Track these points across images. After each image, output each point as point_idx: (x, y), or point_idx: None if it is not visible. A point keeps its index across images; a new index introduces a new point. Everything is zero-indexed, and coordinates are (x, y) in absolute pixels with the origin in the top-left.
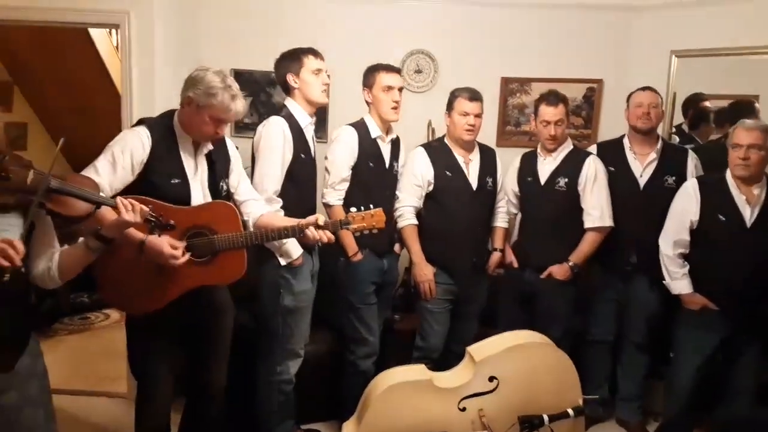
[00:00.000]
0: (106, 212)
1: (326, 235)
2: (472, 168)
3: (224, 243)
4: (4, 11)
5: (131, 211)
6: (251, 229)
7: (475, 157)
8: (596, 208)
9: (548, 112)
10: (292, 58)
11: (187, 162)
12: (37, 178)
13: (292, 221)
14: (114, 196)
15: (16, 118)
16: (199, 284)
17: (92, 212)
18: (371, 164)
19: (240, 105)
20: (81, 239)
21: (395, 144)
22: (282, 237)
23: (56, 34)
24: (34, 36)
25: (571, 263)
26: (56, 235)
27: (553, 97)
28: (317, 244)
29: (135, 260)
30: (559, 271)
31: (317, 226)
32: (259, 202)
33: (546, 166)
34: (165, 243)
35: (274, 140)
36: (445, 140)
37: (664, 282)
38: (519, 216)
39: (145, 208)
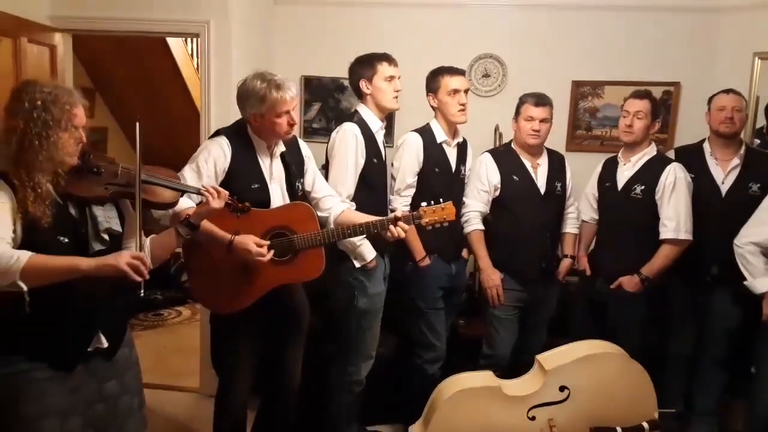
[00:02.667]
0: (184, 206)
1: (403, 229)
2: (540, 173)
3: (304, 242)
4: (91, 23)
5: (216, 197)
6: (331, 226)
7: (543, 161)
8: (672, 219)
9: (630, 102)
10: (366, 65)
11: (265, 166)
12: (125, 172)
13: (370, 218)
14: (198, 192)
15: (97, 123)
16: (282, 283)
17: (177, 200)
18: (437, 169)
19: (292, 87)
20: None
21: (462, 147)
22: (359, 234)
23: (136, 43)
24: (115, 45)
25: (642, 276)
26: None
27: (639, 91)
28: (392, 242)
29: (222, 262)
30: (629, 282)
31: (395, 221)
32: (336, 197)
33: (625, 172)
34: (251, 241)
35: (347, 145)
36: (512, 145)
37: (745, 283)
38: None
39: (225, 192)
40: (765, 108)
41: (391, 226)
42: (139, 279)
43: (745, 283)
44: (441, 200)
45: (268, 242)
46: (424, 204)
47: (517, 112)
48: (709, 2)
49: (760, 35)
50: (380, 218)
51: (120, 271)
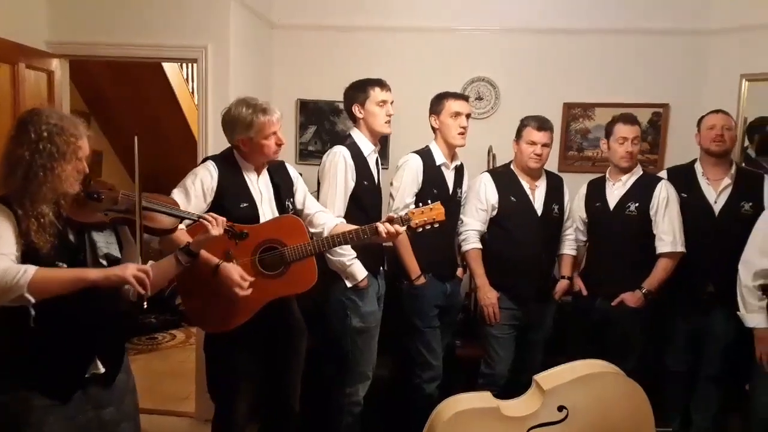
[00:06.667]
0: (180, 235)
1: (396, 229)
2: (537, 194)
3: (295, 253)
4: (89, 48)
5: (215, 225)
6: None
7: (542, 183)
8: (668, 233)
9: (625, 129)
10: (358, 90)
11: (253, 186)
12: (125, 198)
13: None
14: (197, 220)
15: (92, 147)
16: (275, 296)
17: (176, 226)
18: (435, 191)
19: (275, 109)
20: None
21: (459, 171)
22: (349, 241)
23: (131, 67)
24: (110, 69)
25: (644, 290)
26: None
27: (629, 116)
28: (385, 260)
29: (213, 281)
30: (631, 298)
31: (388, 221)
32: (328, 212)
33: (615, 191)
34: (236, 272)
35: (336, 168)
36: (512, 167)
37: (738, 313)
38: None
39: (223, 219)
40: (747, 129)
41: (384, 225)
42: (142, 291)
43: (738, 312)
44: (429, 201)
45: (252, 279)
46: (412, 206)
47: (519, 135)
48: (698, 25)
49: (747, 57)
50: (369, 225)
51: (126, 281)
